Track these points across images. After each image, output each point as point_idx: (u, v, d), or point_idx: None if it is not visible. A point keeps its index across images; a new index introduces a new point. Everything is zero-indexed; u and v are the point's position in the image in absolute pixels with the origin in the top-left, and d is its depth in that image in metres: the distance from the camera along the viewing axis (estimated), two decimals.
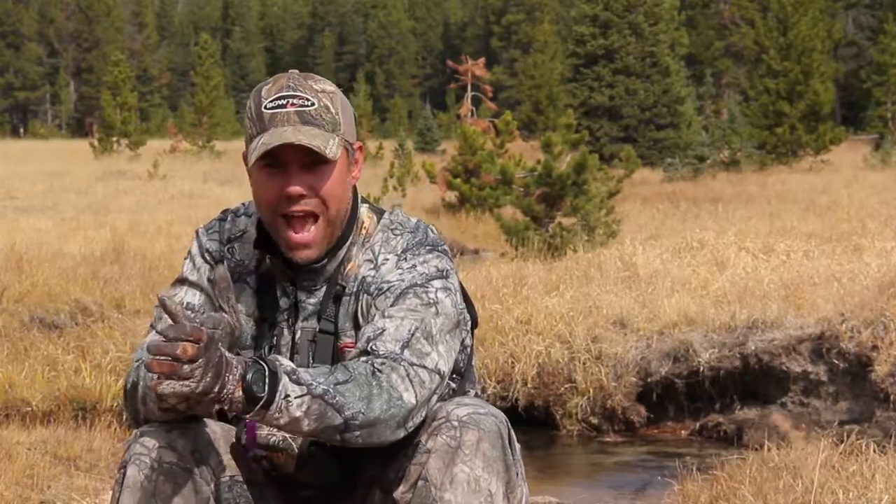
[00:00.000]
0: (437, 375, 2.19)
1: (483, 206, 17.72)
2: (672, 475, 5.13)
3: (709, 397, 7.63)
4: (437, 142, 43.70)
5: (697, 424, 7.54)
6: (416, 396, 2.14)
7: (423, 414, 2.18)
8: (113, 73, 41.52)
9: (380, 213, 2.42)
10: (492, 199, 17.49)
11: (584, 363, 7.58)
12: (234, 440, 2.36)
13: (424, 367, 2.18)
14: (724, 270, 9.23)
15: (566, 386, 7.56)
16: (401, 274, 2.29)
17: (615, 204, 13.27)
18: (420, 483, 2.14)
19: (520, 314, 7.99)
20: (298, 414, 2.04)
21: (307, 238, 2.27)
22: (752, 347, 7.47)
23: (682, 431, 7.63)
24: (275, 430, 2.23)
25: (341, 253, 2.34)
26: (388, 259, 2.32)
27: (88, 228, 14.49)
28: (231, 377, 2.00)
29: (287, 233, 2.27)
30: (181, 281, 2.43)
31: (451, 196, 18.85)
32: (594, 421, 7.53)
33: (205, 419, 2.35)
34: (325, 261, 2.32)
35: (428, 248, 2.33)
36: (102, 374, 7.18)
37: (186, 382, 1.96)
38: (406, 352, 2.17)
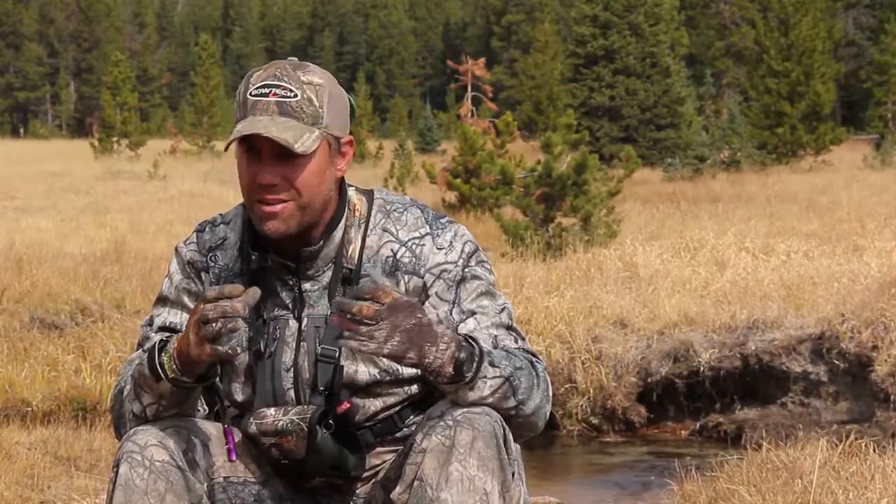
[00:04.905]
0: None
1: (483, 207, 17.72)
2: (672, 475, 5.13)
3: (709, 397, 7.64)
4: (438, 142, 43.64)
5: (698, 424, 7.55)
6: (550, 388, 2.35)
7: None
8: (113, 74, 41.53)
9: (367, 193, 2.46)
10: (492, 199, 17.47)
11: (584, 363, 7.58)
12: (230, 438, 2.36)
13: (539, 356, 2.38)
14: (724, 270, 9.24)
15: (566, 386, 7.57)
16: (445, 256, 2.38)
17: (615, 204, 13.27)
18: (416, 483, 2.15)
19: (520, 314, 7.98)
20: (486, 393, 2.20)
21: (276, 209, 2.29)
22: (753, 347, 7.47)
23: (683, 431, 7.63)
24: (281, 415, 2.29)
25: (337, 235, 2.37)
26: (419, 238, 2.39)
27: (89, 228, 14.50)
28: (438, 350, 2.14)
29: (259, 207, 2.31)
30: (162, 300, 2.46)
31: (452, 196, 18.85)
32: (594, 421, 7.53)
33: (200, 420, 2.36)
34: (321, 244, 2.35)
35: (444, 219, 2.44)
36: (103, 375, 7.19)
37: (365, 342, 2.09)
38: (515, 334, 2.37)
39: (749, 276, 8.89)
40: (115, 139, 38.62)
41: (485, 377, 2.18)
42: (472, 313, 2.35)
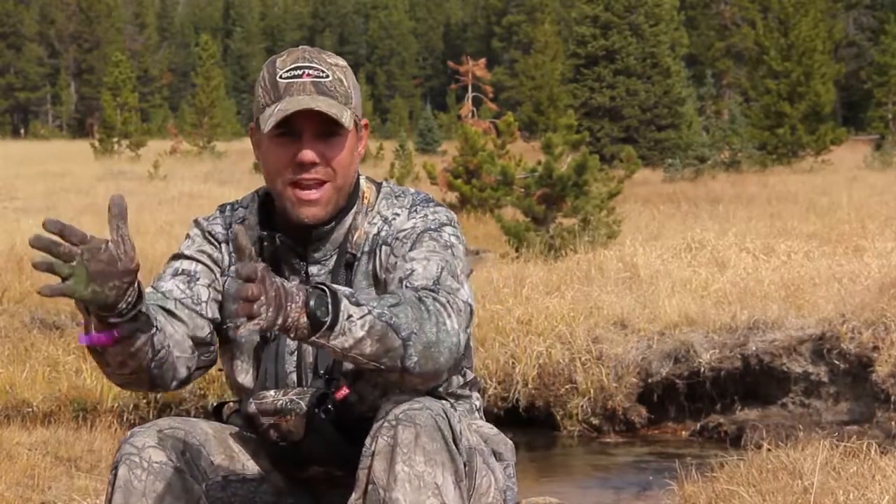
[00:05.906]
0: (469, 307, 2.26)
1: (484, 207, 17.72)
2: (672, 476, 5.13)
3: (709, 398, 7.63)
4: (438, 142, 43.72)
5: (698, 425, 7.55)
6: (457, 323, 2.20)
7: (464, 345, 2.24)
8: (114, 74, 41.56)
9: (377, 184, 2.49)
10: (492, 199, 17.48)
11: (584, 364, 7.58)
12: (234, 430, 2.39)
13: (459, 298, 2.24)
14: (724, 271, 9.23)
15: (567, 387, 7.57)
16: (414, 222, 2.36)
17: (616, 204, 13.27)
18: (370, 487, 2.14)
19: (520, 315, 7.99)
20: (362, 333, 2.07)
21: (314, 195, 2.31)
22: (753, 348, 7.47)
23: (683, 432, 7.63)
24: (280, 395, 2.29)
25: (347, 220, 2.39)
26: (398, 213, 2.40)
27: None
28: (293, 305, 2.03)
29: (295, 191, 2.31)
30: (178, 256, 2.45)
31: (452, 197, 18.85)
32: (595, 421, 7.53)
33: (197, 420, 2.37)
34: (333, 225, 2.37)
35: (434, 203, 2.43)
36: (103, 375, 7.18)
37: (256, 321, 1.99)
38: (438, 286, 2.24)
39: (749, 277, 8.89)
40: (115, 140, 38.64)
41: (350, 317, 2.06)
42: (412, 259, 2.29)
